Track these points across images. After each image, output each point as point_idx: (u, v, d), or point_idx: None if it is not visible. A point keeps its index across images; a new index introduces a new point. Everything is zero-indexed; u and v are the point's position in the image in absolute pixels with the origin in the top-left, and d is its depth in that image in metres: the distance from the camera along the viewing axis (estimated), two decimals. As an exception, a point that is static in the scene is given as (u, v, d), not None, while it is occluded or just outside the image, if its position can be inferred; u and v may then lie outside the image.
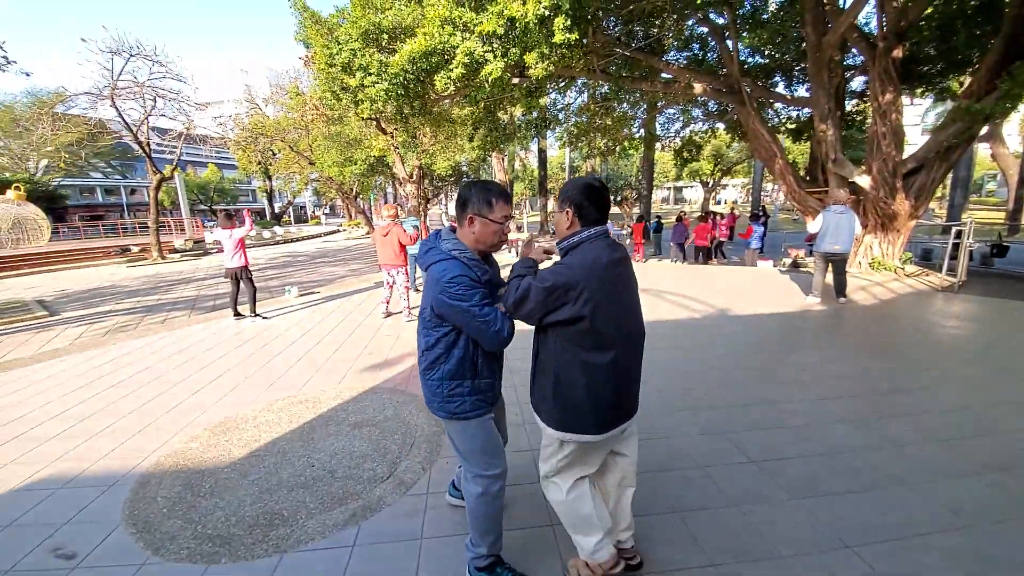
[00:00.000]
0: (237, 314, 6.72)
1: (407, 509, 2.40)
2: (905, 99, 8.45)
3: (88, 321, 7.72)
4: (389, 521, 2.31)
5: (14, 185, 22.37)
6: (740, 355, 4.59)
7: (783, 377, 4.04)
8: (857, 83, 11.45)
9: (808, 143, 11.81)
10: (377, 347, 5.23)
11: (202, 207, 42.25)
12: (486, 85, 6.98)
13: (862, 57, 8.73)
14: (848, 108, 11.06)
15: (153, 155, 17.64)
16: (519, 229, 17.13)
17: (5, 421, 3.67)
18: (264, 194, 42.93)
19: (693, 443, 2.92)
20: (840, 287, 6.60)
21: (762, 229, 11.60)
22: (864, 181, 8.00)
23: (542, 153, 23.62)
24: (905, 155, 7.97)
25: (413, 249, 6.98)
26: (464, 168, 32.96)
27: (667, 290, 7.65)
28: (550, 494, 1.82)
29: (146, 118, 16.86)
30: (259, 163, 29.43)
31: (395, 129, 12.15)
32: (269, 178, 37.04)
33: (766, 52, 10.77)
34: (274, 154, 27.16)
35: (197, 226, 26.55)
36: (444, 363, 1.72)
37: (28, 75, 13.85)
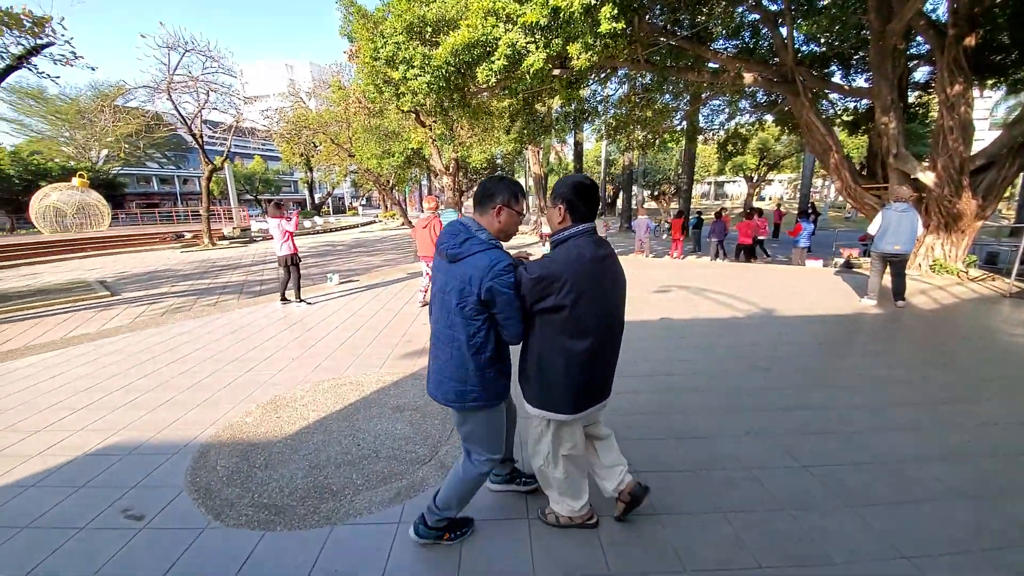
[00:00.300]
0: (284, 299, 7.02)
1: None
2: (975, 91, 7.81)
3: (147, 302, 8.26)
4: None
5: (78, 173, 24.14)
6: (788, 357, 4.41)
7: (835, 381, 3.86)
8: (921, 73, 10.70)
9: (866, 136, 11.14)
10: (415, 335, 5.34)
11: (248, 197, 44.24)
12: (527, 77, 6.94)
13: (928, 46, 8.13)
14: (911, 100, 10.35)
15: (205, 146, 18.56)
16: (553, 223, 17.03)
17: (78, 390, 3.99)
18: (305, 185, 44.50)
19: (738, 445, 2.84)
20: (898, 290, 6.23)
21: (811, 227, 11.06)
22: (928, 178, 7.48)
23: (578, 146, 23.33)
24: (973, 151, 7.40)
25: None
26: (499, 161, 33.02)
27: (707, 288, 7.43)
28: (549, 473, 2.01)
29: (199, 111, 17.74)
30: (302, 155, 30.47)
31: (433, 122, 12.29)
32: (311, 169, 38.29)
33: (823, 40, 10.20)
34: (316, 146, 28.05)
35: (244, 215, 27.81)
36: (485, 351, 1.77)
37: (93, 69, 14.79)
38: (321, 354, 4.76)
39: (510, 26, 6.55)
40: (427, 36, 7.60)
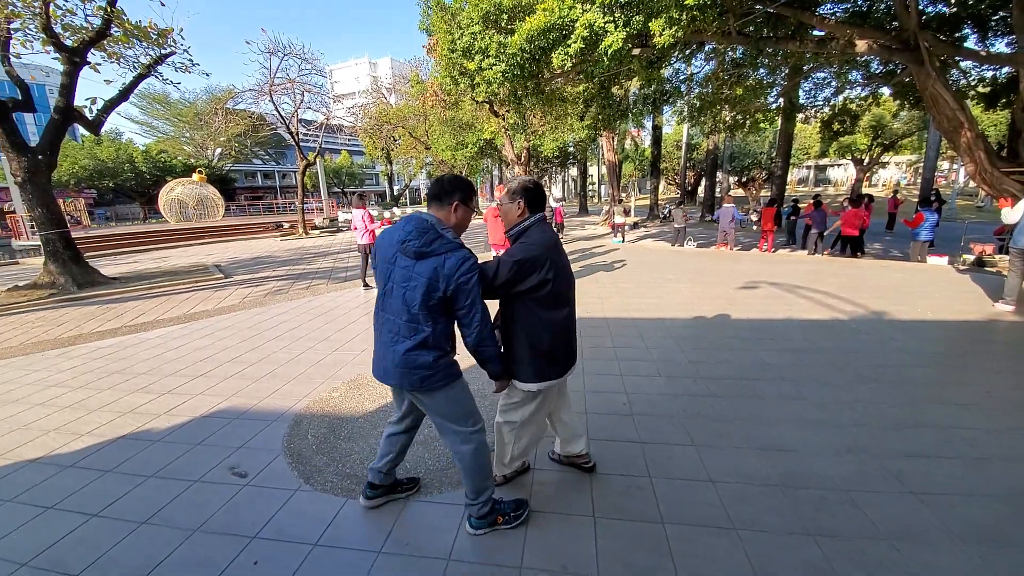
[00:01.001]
0: (366, 285, 7.51)
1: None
2: None
3: (252, 284, 9.26)
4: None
5: (197, 169, 27.64)
6: (900, 366, 3.88)
7: (959, 398, 3.33)
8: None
9: (1007, 111, 9.37)
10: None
11: (336, 190, 47.80)
12: (604, 59, 6.67)
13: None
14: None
15: (300, 143, 20.28)
16: (626, 213, 16.40)
17: (197, 360, 4.58)
18: (386, 177, 47.10)
19: (833, 462, 2.56)
20: (1046, 293, 5.23)
21: (935, 217, 9.54)
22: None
23: (657, 130, 22.19)
24: None
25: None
26: (571, 149, 32.48)
27: (802, 285, 6.74)
28: (506, 436, 2.25)
29: (296, 111, 19.39)
30: (382, 148, 32.27)
31: (507, 111, 12.32)
32: (390, 162, 40.45)
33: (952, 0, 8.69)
34: (396, 140, 29.51)
35: (333, 206, 30.11)
36: (437, 337, 1.88)
37: (208, 75, 16.66)
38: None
39: (588, 6, 6.33)
40: (503, 24, 7.59)
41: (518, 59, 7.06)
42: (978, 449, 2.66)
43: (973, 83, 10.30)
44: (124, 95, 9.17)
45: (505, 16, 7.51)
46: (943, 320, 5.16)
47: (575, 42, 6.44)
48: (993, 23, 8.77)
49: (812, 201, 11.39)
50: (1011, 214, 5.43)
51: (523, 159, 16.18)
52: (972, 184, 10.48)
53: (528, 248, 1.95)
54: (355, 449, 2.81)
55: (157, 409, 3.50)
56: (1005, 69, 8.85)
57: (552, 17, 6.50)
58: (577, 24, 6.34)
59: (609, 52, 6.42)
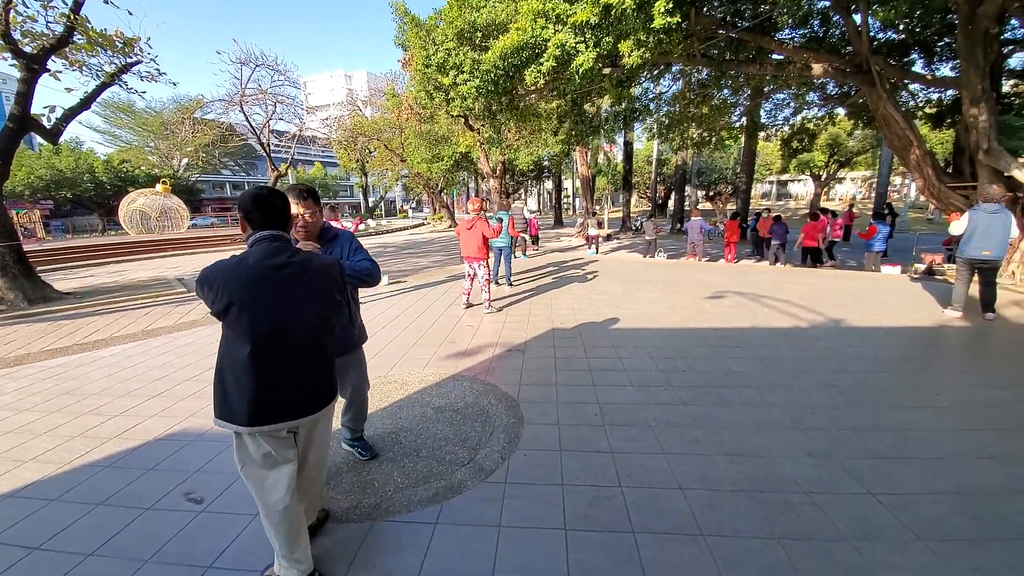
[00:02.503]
0: (336, 298, 7.36)
1: (486, 495, 2.44)
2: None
3: (219, 298, 8.93)
4: (469, 505, 2.37)
5: (161, 180, 26.72)
6: (858, 372, 4.04)
7: (912, 401, 3.49)
8: (1017, 60, 9.54)
9: (952, 130, 10.07)
10: (458, 336, 5.41)
11: (309, 201, 46.89)
12: (576, 77, 6.86)
13: (1025, 30, 7.23)
14: (1005, 89, 9.22)
15: (271, 154, 19.92)
16: (600, 225, 16.70)
17: (153, 379, 4.37)
18: (360, 189, 46.62)
19: (798, 466, 2.63)
20: (988, 300, 5.56)
21: (887, 229, 10.10)
22: (1026, 175, 6.64)
23: (628, 146, 22.78)
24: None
25: (498, 242, 7.08)
26: (546, 163, 32.97)
27: (766, 295, 6.98)
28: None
29: (267, 122, 19.09)
30: (357, 160, 31.99)
31: (481, 125, 12.46)
32: (365, 174, 40.11)
33: (902, 27, 9.33)
34: (371, 152, 29.33)
35: (304, 217, 29.49)
36: None
37: (175, 85, 16.26)
38: (369, 352, 4.90)
39: (559, 27, 6.51)
40: (477, 41, 7.72)
41: (492, 75, 7.18)
42: (930, 448, 2.78)
43: (921, 104, 11.03)
44: (85, 104, 8.81)
45: (479, 34, 7.64)
46: (897, 327, 5.41)
47: (547, 61, 6.59)
48: (938, 49, 9.46)
49: (772, 216, 11.91)
50: (957, 226, 5.78)
51: (498, 172, 16.33)
52: (923, 198, 11.14)
53: (208, 268, 1.73)
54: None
55: (108, 432, 3.31)
56: (950, 92, 9.50)
57: (525, 36, 6.65)
58: (549, 43, 6.50)
59: (580, 71, 6.60)
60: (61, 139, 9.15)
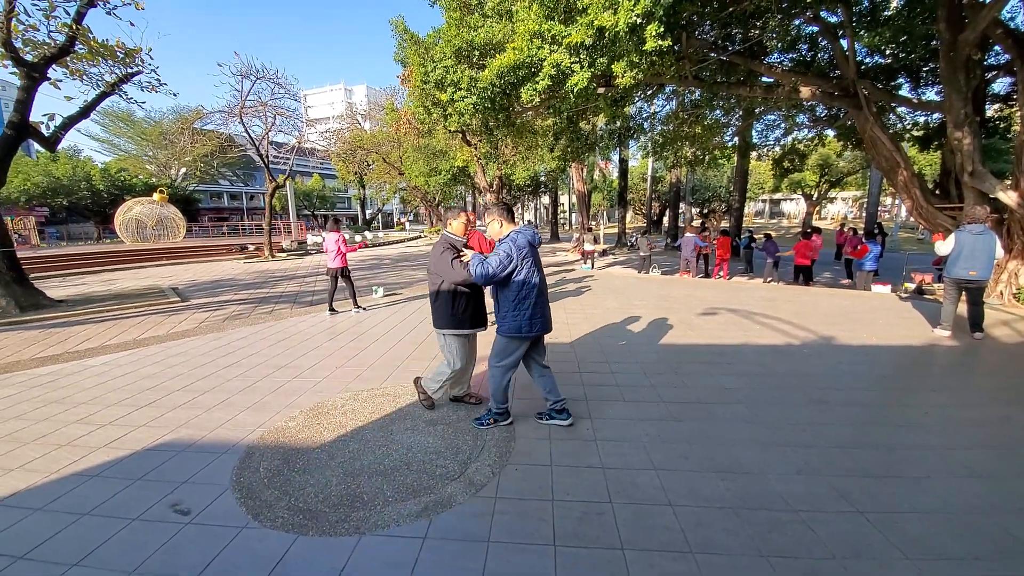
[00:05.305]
0: (332, 310, 7.35)
1: (477, 510, 2.43)
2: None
3: (211, 308, 8.90)
4: (459, 519, 2.37)
5: (159, 189, 26.71)
6: (848, 389, 4.08)
7: (900, 419, 3.52)
8: (1001, 84, 9.83)
9: (939, 152, 10.32)
10: (453, 349, 5.40)
11: (306, 212, 47.06)
12: (571, 96, 7.01)
13: (1008, 56, 7.48)
14: (990, 113, 9.50)
15: (270, 166, 20.01)
16: (596, 240, 16.85)
17: (144, 389, 4.34)
18: (358, 201, 46.82)
19: (787, 484, 2.64)
20: (976, 320, 5.64)
21: (878, 249, 10.26)
22: (1009, 198, 6.81)
23: (623, 163, 23.11)
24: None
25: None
26: (542, 178, 33.31)
27: (758, 312, 7.05)
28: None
29: (267, 133, 19.21)
30: (356, 173, 32.20)
31: (479, 141, 12.63)
32: (363, 187, 40.33)
33: (887, 52, 9.63)
34: (369, 165, 29.55)
35: (301, 229, 29.57)
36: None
37: (175, 95, 16.34)
38: (363, 364, 4.93)
39: (555, 47, 6.67)
40: (475, 60, 7.89)
41: (489, 92, 7.32)
42: (918, 467, 2.80)
43: (908, 127, 11.31)
44: (85, 113, 8.88)
45: (477, 52, 7.81)
46: (887, 345, 5.47)
47: (543, 79, 6.74)
48: (924, 74, 9.74)
49: (764, 235, 12.11)
50: (944, 246, 5.89)
51: (495, 187, 16.49)
52: (912, 218, 11.33)
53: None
54: (310, 481, 2.69)
55: (96, 442, 3.28)
56: (936, 115, 9.76)
57: (521, 55, 6.80)
58: (545, 63, 6.65)
59: (575, 90, 6.74)
60: (59, 147, 9.19)
